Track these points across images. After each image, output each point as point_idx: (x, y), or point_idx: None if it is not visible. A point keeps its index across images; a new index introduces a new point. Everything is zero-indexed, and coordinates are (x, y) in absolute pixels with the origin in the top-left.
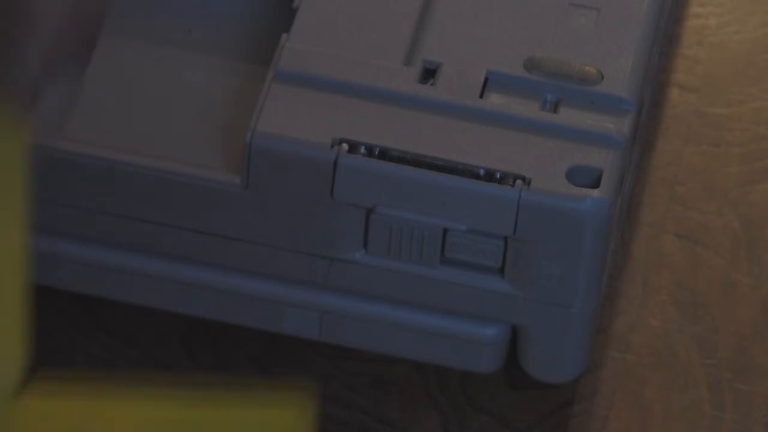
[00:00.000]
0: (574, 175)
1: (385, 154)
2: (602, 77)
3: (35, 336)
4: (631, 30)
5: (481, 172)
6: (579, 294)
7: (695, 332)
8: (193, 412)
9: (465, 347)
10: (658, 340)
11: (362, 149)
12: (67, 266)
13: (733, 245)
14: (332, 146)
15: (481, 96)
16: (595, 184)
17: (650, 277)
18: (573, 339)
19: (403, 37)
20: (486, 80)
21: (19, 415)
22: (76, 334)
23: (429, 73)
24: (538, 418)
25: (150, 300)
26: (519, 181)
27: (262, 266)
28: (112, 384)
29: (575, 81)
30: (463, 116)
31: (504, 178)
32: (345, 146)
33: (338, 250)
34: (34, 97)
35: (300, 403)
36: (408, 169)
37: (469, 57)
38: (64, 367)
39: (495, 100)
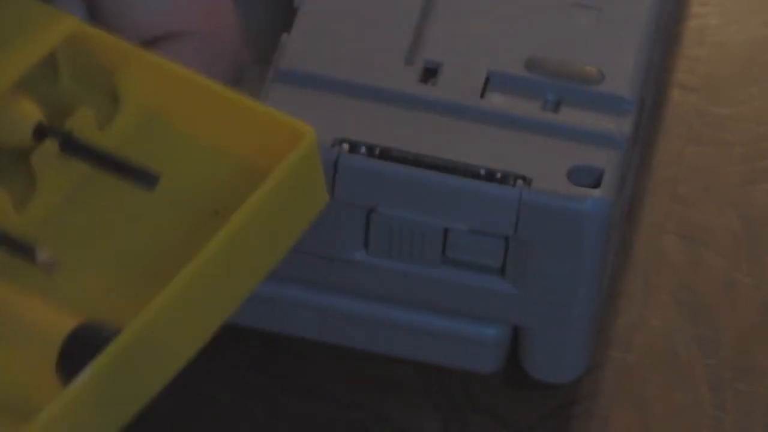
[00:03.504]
0: (575, 175)
1: (385, 154)
2: (603, 77)
3: None
4: (632, 30)
5: (482, 171)
6: (580, 294)
7: (696, 332)
8: None
9: (466, 347)
10: (659, 340)
11: (363, 149)
12: None
13: (733, 245)
14: (333, 146)
15: (482, 96)
16: (596, 184)
17: (651, 277)
18: (574, 339)
19: (404, 36)
20: (487, 80)
21: None
22: None
23: (430, 73)
24: (539, 418)
25: None
26: (520, 181)
27: None
28: None
29: (576, 81)
30: (464, 116)
31: (505, 178)
32: (346, 146)
33: (339, 250)
34: None
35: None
36: (409, 169)
37: (470, 56)
38: None
39: (496, 100)
